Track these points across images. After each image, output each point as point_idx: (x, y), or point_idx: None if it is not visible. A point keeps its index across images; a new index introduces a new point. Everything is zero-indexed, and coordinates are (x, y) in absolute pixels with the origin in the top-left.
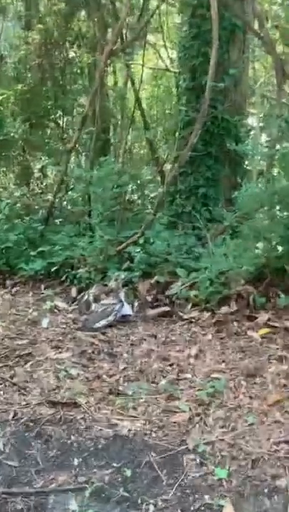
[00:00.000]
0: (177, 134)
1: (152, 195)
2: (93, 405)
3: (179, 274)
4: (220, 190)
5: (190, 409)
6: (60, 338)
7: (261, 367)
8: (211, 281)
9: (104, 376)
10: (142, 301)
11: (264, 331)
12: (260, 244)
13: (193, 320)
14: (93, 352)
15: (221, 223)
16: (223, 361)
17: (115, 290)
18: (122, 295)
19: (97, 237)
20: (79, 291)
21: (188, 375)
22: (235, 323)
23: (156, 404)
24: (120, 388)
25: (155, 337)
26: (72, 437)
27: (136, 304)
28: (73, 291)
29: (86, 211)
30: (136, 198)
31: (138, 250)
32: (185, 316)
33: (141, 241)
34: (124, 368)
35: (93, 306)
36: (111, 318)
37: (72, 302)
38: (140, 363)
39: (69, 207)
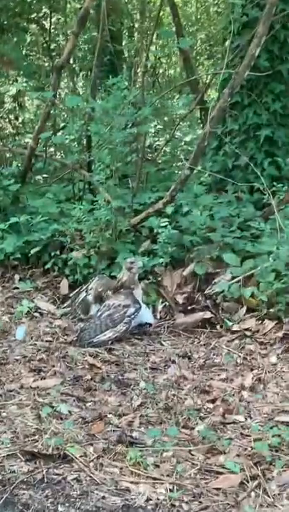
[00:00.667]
0: (228, 42)
1: (187, 138)
2: (93, 460)
3: (228, 261)
4: None
5: (242, 469)
6: (43, 356)
7: None
8: (277, 273)
9: (110, 416)
10: (169, 303)
11: None
12: None
13: (248, 333)
14: (93, 379)
15: None
16: None
17: (128, 285)
18: (138, 293)
19: (101, 203)
20: (72, 286)
21: (240, 418)
22: None
23: (189, 461)
24: (134, 435)
25: (189, 358)
26: (61, 508)
27: (160, 306)
28: (63, 286)
29: (84, 163)
30: (162, 143)
31: (164, 224)
32: (236, 327)
33: (169, 210)
34: (141, 404)
35: (94, 308)
36: (122, 327)
37: (62, 302)
38: (165, 396)
39: (58, 156)
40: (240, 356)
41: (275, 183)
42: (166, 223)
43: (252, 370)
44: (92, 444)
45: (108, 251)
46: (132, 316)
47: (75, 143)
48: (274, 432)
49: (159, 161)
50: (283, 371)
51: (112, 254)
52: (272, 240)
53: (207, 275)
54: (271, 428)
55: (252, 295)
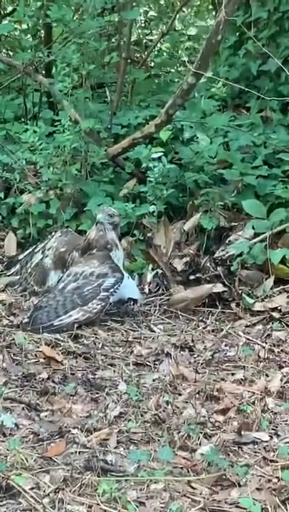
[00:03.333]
0: None
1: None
2: (49, 494)
3: (249, 211)
4: None
5: (265, 508)
6: None
7: None
8: None
9: (75, 432)
10: (163, 271)
11: None
12: None
13: (276, 314)
14: (51, 378)
15: None
16: None
17: (102, 245)
18: (119, 256)
19: (66, 124)
20: (22, 245)
21: (263, 436)
22: None
23: (189, 497)
24: (109, 459)
25: (190, 350)
26: None
27: (149, 276)
28: (9, 244)
29: (42, 65)
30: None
31: (157, 155)
32: (259, 306)
33: (164, 136)
34: (120, 416)
35: (53, 277)
36: (95, 306)
37: (7, 268)
38: (155, 404)
39: (3, 54)
40: (264, 348)
41: None
42: (161, 154)
43: (281, 367)
44: (48, 472)
45: (75, 194)
46: (111, 291)
47: (29, 35)
48: None
49: (151, 65)
50: None
51: (81, 199)
52: None
53: (218, 231)
54: None
55: (283, 260)
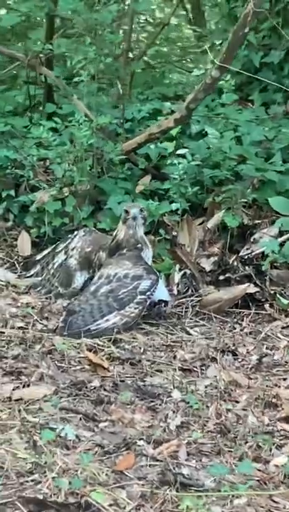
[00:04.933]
0: None
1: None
2: (130, 511)
3: (276, 208)
4: None
5: None
6: (19, 351)
7: None
8: None
9: (141, 443)
10: (191, 271)
11: None
12: None
13: None
14: (103, 386)
15: None
16: None
17: (132, 244)
18: (148, 255)
19: (79, 119)
20: (36, 244)
21: None
22: None
23: (273, 511)
24: (185, 472)
25: (234, 354)
26: None
27: (177, 276)
28: (23, 243)
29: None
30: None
31: (182, 151)
32: None
33: (173, 130)
34: (183, 425)
35: (79, 279)
36: (133, 310)
37: (25, 268)
38: (215, 413)
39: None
40: None
41: None
42: (186, 151)
43: None
44: (123, 487)
45: (91, 191)
46: (148, 294)
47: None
48: None
49: (146, 57)
50: None
51: (97, 197)
52: None
53: (241, 229)
54: None
55: None
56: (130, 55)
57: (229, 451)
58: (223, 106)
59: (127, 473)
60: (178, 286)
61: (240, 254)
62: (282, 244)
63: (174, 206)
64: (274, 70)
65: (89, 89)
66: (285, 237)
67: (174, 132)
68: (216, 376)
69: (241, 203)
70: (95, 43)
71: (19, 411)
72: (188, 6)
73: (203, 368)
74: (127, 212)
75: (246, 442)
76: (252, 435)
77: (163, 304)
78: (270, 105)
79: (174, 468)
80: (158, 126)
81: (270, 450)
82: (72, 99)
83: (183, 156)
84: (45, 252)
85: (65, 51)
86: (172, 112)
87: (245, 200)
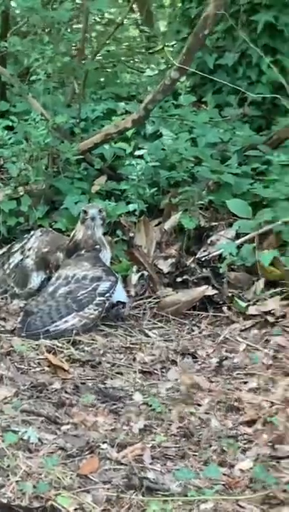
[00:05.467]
0: None
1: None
2: None
3: (235, 210)
4: None
5: None
6: None
7: None
8: None
9: (105, 446)
10: (148, 273)
11: None
12: None
13: (271, 318)
14: (64, 389)
15: None
16: None
17: (93, 244)
18: (106, 256)
19: (36, 117)
20: None
21: None
22: None
23: None
24: (151, 476)
25: (194, 356)
26: None
27: (134, 277)
28: None
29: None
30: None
31: (140, 152)
32: (252, 310)
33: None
34: (146, 429)
35: (35, 279)
36: (92, 312)
37: None
38: (178, 416)
39: None
40: (267, 354)
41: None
42: (144, 151)
43: (287, 375)
44: (88, 491)
45: (46, 191)
46: (107, 295)
47: None
48: None
49: (98, 55)
50: None
51: (52, 196)
52: None
53: (198, 231)
54: None
55: (273, 262)
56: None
57: (194, 455)
58: (177, 107)
59: (91, 477)
60: (135, 288)
61: (198, 256)
62: (239, 247)
63: (131, 207)
64: (228, 72)
65: (45, 88)
66: (242, 239)
67: (129, 133)
68: (176, 379)
69: (198, 204)
70: (52, 42)
71: None
72: (136, 7)
73: (164, 370)
74: (85, 212)
75: (210, 446)
76: (216, 439)
77: (121, 306)
78: (223, 107)
79: (139, 472)
80: (115, 126)
81: (235, 454)
82: (27, 98)
83: (140, 157)
84: (0, 252)
85: (19, 49)
86: (126, 112)
87: (202, 202)
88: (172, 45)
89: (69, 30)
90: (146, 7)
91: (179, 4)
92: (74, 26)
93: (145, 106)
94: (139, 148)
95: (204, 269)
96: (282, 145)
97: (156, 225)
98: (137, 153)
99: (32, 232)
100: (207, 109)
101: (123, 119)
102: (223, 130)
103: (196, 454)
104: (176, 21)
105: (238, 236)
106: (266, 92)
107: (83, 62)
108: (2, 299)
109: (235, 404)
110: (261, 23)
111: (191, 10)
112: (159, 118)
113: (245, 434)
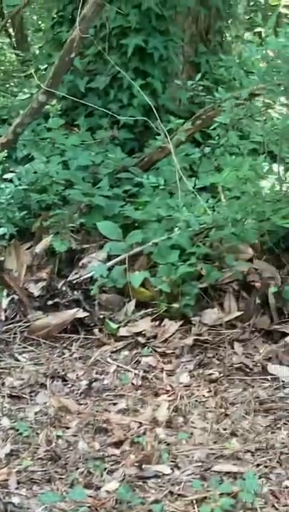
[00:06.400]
0: None
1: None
2: None
3: (106, 232)
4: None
5: None
6: None
7: None
8: (181, 250)
9: None
10: (18, 296)
11: None
12: None
13: (141, 339)
14: None
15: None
16: (233, 434)
17: None
18: None
19: None
20: None
21: (164, 468)
22: (239, 347)
23: None
24: (15, 501)
25: (64, 379)
26: None
27: (5, 301)
28: None
29: None
30: None
31: (9, 175)
32: (123, 331)
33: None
34: (12, 453)
35: None
36: None
37: None
38: (45, 439)
39: None
40: (137, 375)
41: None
42: (13, 175)
43: (157, 395)
44: None
45: None
46: None
47: None
48: (222, 489)
49: None
50: (204, 395)
51: None
52: (161, 201)
53: (69, 253)
54: (219, 483)
55: (144, 283)
56: None
57: (60, 478)
58: (49, 130)
59: None
60: (5, 312)
61: (69, 278)
62: (110, 269)
63: (0, 231)
64: (99, 95)
65: None
66: (113, 261)
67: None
68: (45, 402)
69: (69, 227)
70: None
71: None
72: (11, 30)
73: (33, 394)
74: None
75: (77, 468)
76: (83, 461)
77: None
78: (95, 130)
79: (4, 497)
80: None
81: (101, 475)
82: None
83: (10, 181)
84: None
85: None
86: None
87: (73, 225)
88: (45, 69)
89: None
90: (20, 30)
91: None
92: None
93: (14, 129)
94: (11, 172)
95: (75, 292)
96: (154, 167)
97: (27, 249)
98: (6, 176)
99: None
100: (79, 132)
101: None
102: (95, 153)
103: (63, 477)
104: (47, 45)
105: (109, 258)
106: (137, 115)
107: None
108: None
109: (104, 425)
110: (131, 46)
111: (61, 34)
112: (30, 141)
113: (112, 455)
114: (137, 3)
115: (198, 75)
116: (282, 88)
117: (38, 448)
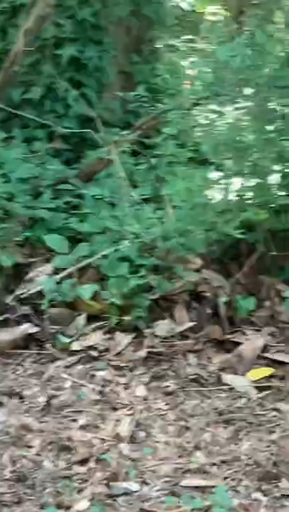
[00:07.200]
0: None
1: None
2: None
3: (53, 246)
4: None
5: None
6: None
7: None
8: (129, 262)
9: None
10: None
11: (260, 372)
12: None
13: (94, 353)
14: None
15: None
16: (197, 447)
17: None
18: None
19: None
20: None
21: (133, 485)
22: (193, 358)
23: None
24: None
25: (20, 397)
26: None
27: None
28: None
29: None
30: None
31: None
32: (75, 345)
33: None
34: None
35: None
36: None
37: None
38: (10, 460)
39: None
40: (94, 390)
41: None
42: None
43: (115, 409)
44: None
45: None
46: None
47: None
48: (194, 505)
49: None
50: (161, 408)
51: None
52: (103, 212)
53: (15, 268)
54: (190, 498)
55: (94, 296)
56: None
57: (30, 499)
58: None
59: None
60: None
61: (17, 293)
62: (59, 282)
63: None
64: (35, 106)
65: None
66: (61, 274)
67: None
68: (5, 421)
69: (14, 241)
70: None
71: None
72: None
73: None
74: None
75: (46, 489)
76: (50, 481)
77: None
78: (31, 142)
79: None
80: None
81: (71, 495)
82: None
83: None
84: None
85: None
86: None
87: (19, 239)
88: None
89: None
90: None
91: None
92: None
93: None
94: None
95: (24, 307)
96: (94, 178)
97: None
98: None
99: None
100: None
101: None
102: (34, 165)
103: (32, 497)
104: None
105: (56, 271)
106: (73, 125)
107: None
108: None
109: (67, 443)
110: (66, 56)
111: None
112: None
113: (79, 473)
114: (72, 13)
115: (139, 87)
116: (228, 98)
117: (3, 469)
